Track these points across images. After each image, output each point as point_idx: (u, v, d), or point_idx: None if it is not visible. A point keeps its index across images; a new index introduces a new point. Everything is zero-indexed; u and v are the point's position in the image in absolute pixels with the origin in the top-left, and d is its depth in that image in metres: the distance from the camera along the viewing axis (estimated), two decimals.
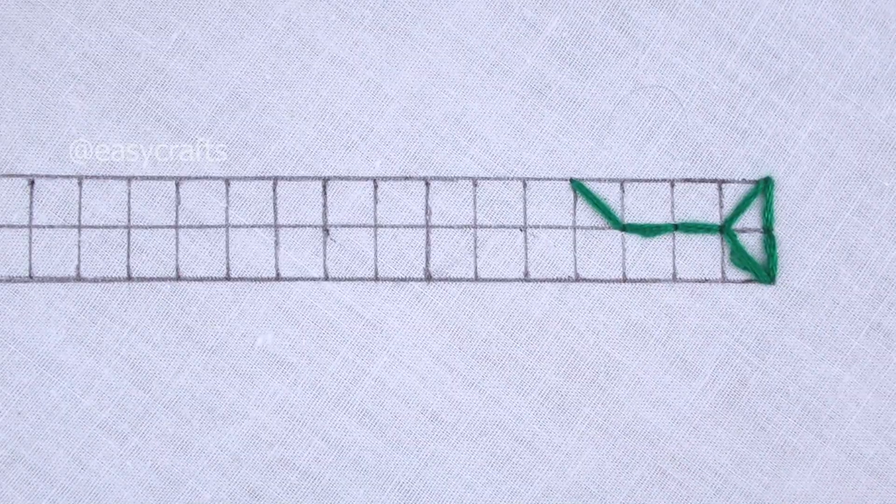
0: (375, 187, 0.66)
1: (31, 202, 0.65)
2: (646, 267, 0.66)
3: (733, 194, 0.66)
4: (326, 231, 0.66)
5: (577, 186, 0.66)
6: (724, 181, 0.66)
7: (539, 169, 0.66)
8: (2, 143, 0.66)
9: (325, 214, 0.66)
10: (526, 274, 0.66)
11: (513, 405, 0.65)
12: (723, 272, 0.66)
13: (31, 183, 0.66)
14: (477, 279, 0.66)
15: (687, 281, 0.66)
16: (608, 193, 0.66)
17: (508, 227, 0.66)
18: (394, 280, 0.66)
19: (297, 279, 0.66)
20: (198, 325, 0.65)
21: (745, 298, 0.66)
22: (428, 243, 0.66)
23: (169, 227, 0.66)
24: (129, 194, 0.66)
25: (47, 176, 0.66)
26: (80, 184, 0.66)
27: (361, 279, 0.66)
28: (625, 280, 0.66)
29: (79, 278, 0.65)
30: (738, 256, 0.66)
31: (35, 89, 0.66)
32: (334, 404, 0.65)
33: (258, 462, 0.65)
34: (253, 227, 0.66)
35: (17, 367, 0.65)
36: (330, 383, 0.65)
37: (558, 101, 0.66)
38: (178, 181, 0.66)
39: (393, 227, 0.66)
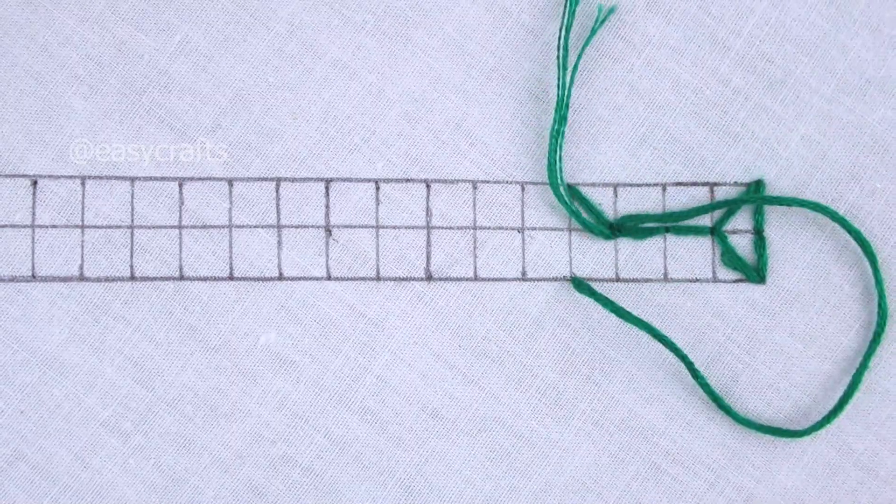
0: (377, 189, 0.67)
1: (34, 202, 0.66)
2: (637, 267, 0.67)
3: (724, 197, 0.68)
4: (329, 231, 0.67)
5: (573, 192, 0.67)
6: (715, 184, 0.68)
7: (536, 173, 0.67)
8: (5, 143, 0.66)
9: (327, 215, 0.67)
10: (523, 273, 0.67)
11: (511, 401, 0.66)
12: (714, 272, 0.67)
13: (34, 183, 0.66)
14: (476, 279, 0.67)
15: (679, 280, 0.67)
16: (602, 198, 0.68)
17: (506, 229, 0.67)
18: (395, 280, 0.67)
19: (299, 279, 0.66)
20: (201, 324, 0.66)
21: (736, 297, 0.67)
22: (428, 244, 0.67)
23: (172, 227, 0.66)
24: (132, 195, 0.66)
25: (50, 176, 0.66)
26: (83, 184, 0.66)
27: (363, 279, 0.67)
28: (617, 280, 0.67)
29: (82, 278, 0.66)
30: (729, 257, 0.67)
31: (38, 90, 0.66)
32: (336, 402, 0.66)
33: (261, 459, 0.66)
34: (256, 227, 0.66)
35: (20, 366, 0.65)
36: (332, 381, 0.66)
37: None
38: (181, 182, 0.66)
39: (394, 227, 0.67)
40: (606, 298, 0.65)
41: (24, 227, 0.66)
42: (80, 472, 0.65)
